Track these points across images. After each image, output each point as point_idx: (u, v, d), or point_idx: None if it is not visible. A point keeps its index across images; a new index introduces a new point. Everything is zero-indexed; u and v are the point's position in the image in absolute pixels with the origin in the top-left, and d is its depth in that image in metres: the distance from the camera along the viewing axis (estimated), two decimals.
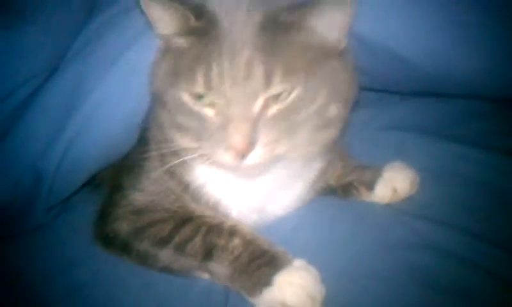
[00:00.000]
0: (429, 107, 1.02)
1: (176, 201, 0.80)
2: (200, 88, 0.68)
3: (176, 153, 0.76)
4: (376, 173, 0.86)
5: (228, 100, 0.66)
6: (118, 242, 0.80)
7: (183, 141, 0.74)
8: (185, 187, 0.80)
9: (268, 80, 0.66)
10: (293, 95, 0.68)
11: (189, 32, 0.70)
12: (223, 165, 0.71)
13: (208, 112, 0.69)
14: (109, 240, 0.81)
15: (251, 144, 0.66)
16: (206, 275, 0.76)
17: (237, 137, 0.66)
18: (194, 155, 0.73)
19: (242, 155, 0.67)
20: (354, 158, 0.92)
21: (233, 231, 0.76)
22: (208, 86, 0.67)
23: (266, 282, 0.69)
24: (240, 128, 0.66)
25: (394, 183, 0.85)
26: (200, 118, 0.70)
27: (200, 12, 0.69)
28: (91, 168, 0.85)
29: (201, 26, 0.69)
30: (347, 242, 0.79)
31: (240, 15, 0.69)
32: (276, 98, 0.67)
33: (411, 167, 0.86)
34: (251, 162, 0.68)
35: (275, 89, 0.66)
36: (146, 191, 0.82)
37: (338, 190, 0.89)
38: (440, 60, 0.83)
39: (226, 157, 0.68)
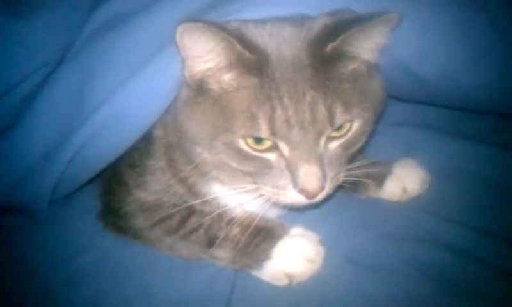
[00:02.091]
0: (435, 107, 1.03)
1: (181, 200, 0.82)
2: (263, 134, 0.67)
3: (195, 168, 0.77)
4: (386, 169, 0.88)
5: (295, 143, 0.67)
6: (131, 233, 0.84)
7: (228, 179, 0.76)
8: (194, 194, 0.82)
9: (331, 119, 0.67)
10: (354, 128, 0.71)
11: (241, 67, 0.67)
12: (287, 204, 0.73)
13: (269, 156, 0.70)
14: (122, 231, 0.85)
15: (323, 185, 0.69)
16: (210, 259, 0.81)
17: (311, 181, 0.68)
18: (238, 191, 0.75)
19: (315, 195, 0.69)
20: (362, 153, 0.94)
21: (231, 221, 0.80)
22: (273, 131, 0.66)
23: (266, 256, 0.76)
24: (312, 171, 0.68)
25: (404, 182, 0.87)
26: (259, 161, 0.70)
27: (251, 45, 0.67)
28: (99, 168, 0.85)
29: (254, 61, 0.66)
30: (353, 233, 0.83)
31: (287, 48, 0.68)
32: (338, 131, 0.70)
33: (422, 165, 0.88)
34: (320, 199, 0.71)
35: (337, 125, 0.68)
36: (150, 190, 0.83)
37: (345, 185, 0.90)
38: (454, 78, 0.83)
39: (298, 198, 0.70)
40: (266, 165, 0.70)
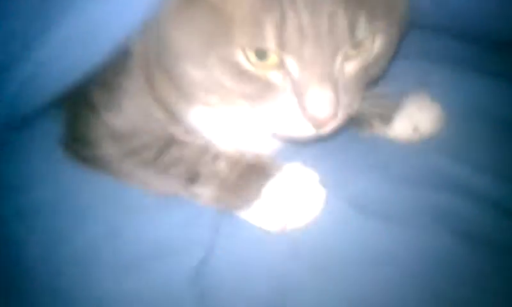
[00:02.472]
0: (453, 38, 0.94)
1: (160, 126, 0.73)
2: (269, 44, 0.56)
3: (178, 89, 0.67)
4: (395, 104, 0.80)
5: (306, 60, 0.57)
6: (98, 163, 0.74)
7: (218, 104, 0.65)
8: (176, 119, 0.72)
9: (352, 30, 0.57)
10: (375, 46, 0.62)
11: None
12: (290, 135, 0.64)
13: (274, 75, 0.59)
14: (87, 160, 0.75)
15: (335, 112, 0.59)
16: (190, 197, 0.72)
17: (322, 106, 0.58)
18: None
19: (326, 123, 0.60)
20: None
21: (218, 154, 0.71)
22: (281, 42, 0.56)
23: (256, 196, 0.67)
24: (325, 94, 0.58)
25: (416, 119, 0.78)
26: (260, 82, 0.60)
27: None
28: (62, 85, 0.73)
29: None
30: (360, 175, 0.74)
31: None
32: (357, 49, 0.60)
33: (436, 102, 0.79)
34: (330, 130, 0.62)
35: (358, 38, 0.58)
36: (124, 113, 0.73)
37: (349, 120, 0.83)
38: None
39: (305, 127, 0.61)
40: (268, 87, 0.60)
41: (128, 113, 0.73)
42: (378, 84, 0.77)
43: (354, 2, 0.57)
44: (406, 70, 0.85)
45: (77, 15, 0.65)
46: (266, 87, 0.60)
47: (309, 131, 0.61)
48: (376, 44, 0.62)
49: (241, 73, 0.59)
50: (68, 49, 0.67)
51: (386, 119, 0.80)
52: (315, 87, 0.58)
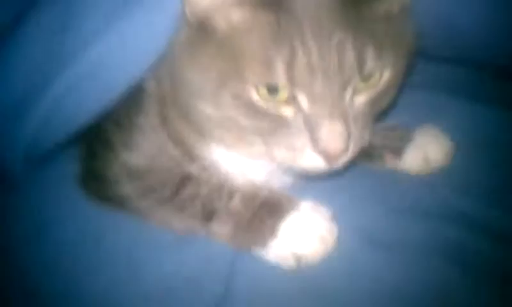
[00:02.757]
0: (462, 67, 0.96)
1: (176, 163, 0.74)
2: (280, 80, 0.58)
3: (194, 128, 0.69)
4: (406, 137, 0.81)
5: (316, 95, 0.58)
6: (118, 201, 0.75)
7: (233, 140, 0.67)
8: (191, 157, 0.73)
9: (360, 66, 0.58)
10: (384, 78, 0.62)
11: (255, 0, 0.58)
12: (303, 169, 0.65)
13: (286, 110, 0.61)
14: (106, 199, 0.76)
15: (347, 146, 0.60)
16: (207, 235, 0.73)
17: (334, 141, 0.59)
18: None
19: (337, 157, 0.61)
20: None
21: (233, 192, 0.72)
22: (291, 78, 0.57)
23: (271, 234, 0.68)
24: (336, 129, 0.59)
25: (426, 152, 0.79)
26: (273, 117, 0.61)
27: None
28: (79, 124, 0.75)
29: None
30: (369, 208, 0.75)
31: None
32: (366, 83, 0.61)
33: (445, 134, 0.81)
34: (341, 163, 0.63)
35: (367, 73, 0.60)
36: (140, 152, 0.74)
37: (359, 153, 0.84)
38: (493, 30, 0.77)
39: (317, 161, 0.62)
40: (281, 122, 0.61)
41: (144, 151, 0.74)
42: (387, 116, 0.78)
43: (361, 37, 0.58)
44: (415, 101, 0.86)
45: (93, 53, 0.67)
46: (278, 122, 0.62)
47: (321, 165, 0.62)
48: (384, 77, 0.63)
49: (254, 109, 0.61)
50: (85, 85, 0.69)
51: (397, 151, 0.81)
52: (326, 122, 0.59)
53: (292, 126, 0.61)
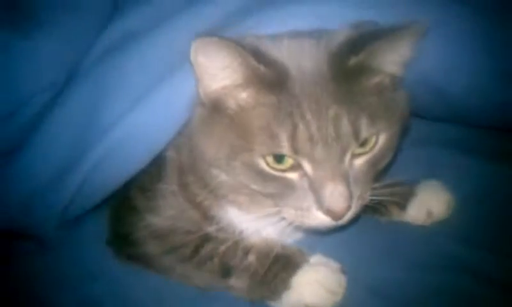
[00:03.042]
0: (455, 124, 0.99)
1: (195, 226, 0.79)
2: (285, 151, 0.64)
3: (211, 192, 0.74)
4: (409, 191, 0.85)
5: (318, 161, 0.64)
6: (142, 260, 0.81)
7: (246, 203, 0.73)
8: (209, 219, 0.78)
9: (356, 134, 0.64)
10: (379, 143, 0.68)
11: (258, 83, 0.65)
12: (311, 227, 0.70)
13: (292, 175, 0.66)
14: (132, 258, 0.82)
15: (349, 204, 0.65)
16: (225, 289, 0.77)
17: (337, 200, 0.64)
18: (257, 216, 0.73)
19: (341, 215, 0.66)
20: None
21: (247, 250, 0.77)
22: (295, 149, 0.64)
23: (284, 287, 0.73)
24: (338, 190, 0.64)
25: (429, 205, 0.84)
26: (280, 181, 0.67)
27: (267, 60, 0.64)
28: (109, 191, 0.83)
29: (272, 76, 0.64)
30: (376, 261, 0.79)
31: (306, 62, 0.66)
32: (363, 147, 0.67)
33: (446, 188, 0.85)
34: (346, 220, 0.68)
35: (362, 140, 0.65)
36: (163, 216, 0.80)
37: (366, 208, 0.87)
38: (482, 93, 0.80)
39: (323, 220, 0.66)
40: (288, 186, 0.67)
41: (166, 214, 0.80)
42: (388, 173, 0.83)
43: (355, 109, 0.64)
44: (415, 158, 0.92)
45: (122, 129, 0.75)
46: (286, 185, 0.67)
47: (327, 222, 0.67)
48: (379, 141, 0.68)
49: (263, 176, 0.67)
50: (115, 157, 0.76)
51: (402, 205, 0.85)
52: (328, 184, 0.64)
53: (298, 189, 0.67)
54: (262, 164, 0.66)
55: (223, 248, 0.77)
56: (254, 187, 0.68)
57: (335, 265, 0.75)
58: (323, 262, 0.75)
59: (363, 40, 0.64)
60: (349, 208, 0.65)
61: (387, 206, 0.85)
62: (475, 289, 0.73)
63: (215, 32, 0.64)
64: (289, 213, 0.69)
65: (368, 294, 0.74)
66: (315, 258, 0.76)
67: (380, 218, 0.86)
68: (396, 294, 0.73)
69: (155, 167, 0.80)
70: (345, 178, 0.65)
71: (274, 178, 0.67)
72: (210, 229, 0.77)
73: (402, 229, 0.84)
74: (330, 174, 0.64)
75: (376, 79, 0.67)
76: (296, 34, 0.70)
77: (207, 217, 0.78)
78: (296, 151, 0.64)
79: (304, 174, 0.66)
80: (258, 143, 0.65)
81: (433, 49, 0.73)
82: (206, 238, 0.79)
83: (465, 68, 0.78)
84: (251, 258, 0.76)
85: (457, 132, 0.98)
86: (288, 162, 0.66)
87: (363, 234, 0.83)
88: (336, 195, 0.64)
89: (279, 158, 0.65)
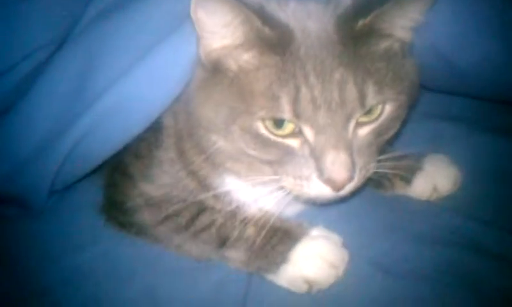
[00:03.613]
0: (464, 97, 0.96)
1: (191, 195, 0.77)
2: (286, 115, 0.61)
3: (208, 160, 0.72)
4: (415, 165, 0.83)
5: (321, 127, 0.62)
6: (135, 229, 0.79)
7: (244, 171, 0.70)
8: (206, 188, 0.76)
9: (362, 100, 0.61)
10: (386, 112, 0.65)
11: (262, 44, 0.62)
12: (310, 197, 0.67)
13: (292, 141, 0.64)
14: (125, 226, 0.80)
15: (352, 175, 0.63)
16: (221, 260, 0.75)
17: (338, 169, 0.62)
18: (253, 181, 0.70)
19: (343, 186, 0.63)
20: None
21: (245, 219, 0.75)
22: (296, 113, 0.61)
23: (283, 260, 0.71)
24: (340, 158, 0.62)
25: (435, 180, 0.82)
26: (280, 148, 0.64)
27: (272, 21, 0.61)
28: (102, 158, 0.80)
29: (276, 38, 0.61)
30: (379, 235, 0.77)
31: (312, 24, 0.63)
32: (368, 115, 0.64)
33: (454, 162, 0.82)
34: (347, 191, 0.65)
35: (369, 107, 0.63)
36: (158, 183, 0.78)
37: (370, 180, 0.84)
38: (492, 68, 0.78)
39: (323, 190, 0.64)
40: (288, 153, 0.64)
41: (161, 182, 0.78)
42: (394, 146, 0.81)
43: (362, 74, 0.61)
44: (421, 130, 0.90)
45: (119, 91, 0.72)
46: (286, 152, 0.65)
47: (327, 193, 0.65)
48: (386, 110, 0.65)
49: (262, 141, 0.64)
50: (109, 122, 0.73)
51: (407, 179, 0.83)
52: (330, 152, 0.62)
53: (298, 156, 0.64)
54: (261, 129, 0.63)
55: (220, 218, 0.75)
56: (252, 153, 0.66)
57: (336, 237, 0.73)
58: (324, 235, 0.73)
59: (372, 3, 0.61)
60: (350, 178, 0.63)
61: (392, 180, 0.83)
62: (480, 264, 0.71)
63: None
64: (288, 181, 0.66)
65: (371, 268, 0.72)
66: (316, 231, 0.73)
67: (384, 191, 0.84)
68: (399, 269, 0.71)
69: (152, 133, 0.77)
70: (349, 147, 0.63)
71: (273, 144, 0.64)
72: (207, 195, 0.75)
73: (406, 203, 0.82)
74: (333, 141, 0.62)
75: (384, 44, 0.65)
76: None
77: (204, 186, 0.76)
78: (297, 115, 0.61)
79: (305, 141, 0.64)
80: (259, 106, 0.62)
81: (443, 20, 0.71)
82: (202, 208, 0.76)
83: (474, 40, 0.76)
84: (250, 229, 0.74)
85: (466, 106, 0.95)
86: (289, 127, 0.63)
87: (366, 207, 0.81)
88: (337, 164, 0.62)
89: (279, 123, 0.63)
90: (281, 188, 0.68)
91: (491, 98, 0.90)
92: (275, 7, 0.65)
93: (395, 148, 0.81)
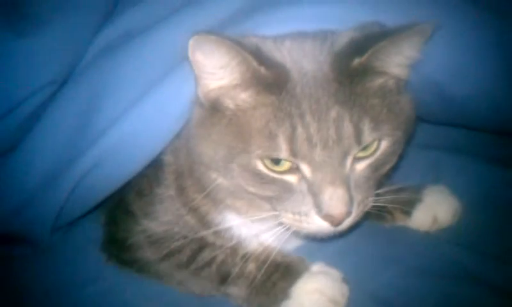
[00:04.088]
0: (461, 128, 0.96)
1: (193, 231, 0.77)
2: (282, 155, 0.62)
3: (208, 197, 0.73)
4: (415, 196, 0.83)
5: (317, 164, 0.62)
6: (137, 266, 0.79)
7: (244, 207, 0.71)
8: (206, 224, 0.76)
9: (358, 137, 0.62)
10: (382, 147, 0.66)
11: (258, 84, 0.63)
12: (310, 233, 0.68)
13: (290, 178, 0.64)
14: (127, 264, 0.80)
15: (349, 210, 0.63)
16: (223, 297, 0.76)
17: (336, 205, 0.62)
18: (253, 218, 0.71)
19: (341, 221, 0.64)
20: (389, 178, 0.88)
21: (246, 256, 0.75)
22: (293, 152, 0.62)
23: (284, 296, 0.71)
24: (338, 194, 0.62)
25: (435, 211, 0.82)
26: (279, 184, 0.65)
27: (268, 61, 0.62)
28: (104, 195, 0.81)
29: (272, 78, 0.62)
30: (380, 268, 0.77)
31: (308, 63, 0.64)
32: (365, 151, 0.65)
33: (453, 193, 0.83)
34: (346, 226, 0.66)
35: (365, 144, 0.63)
36: (159, 220, 0.79)
37: (369, 214, 0.84)
38: (489, 99, 0.77)
39: (322, 225, 0.64)
40: (286, 189, 0.65)
41: (163, 219, 0.78)
42: (393, 178, 0.81)
43: (358, 111, 0.62)
44: (420, 162, 0.90)
45: (119, 132, 0.73)
46: (284, 188, 0.65)
47: (326, 228, 0.65)
48: (382, 146, 0.65)
49: (261, 178, 0.65)
50: (110, 160, 0.74)
51: (407, 211, 0.83)
52: (327, 188, 0.62)
53: (297, 192, 0.64)
54: (260, 166, 0.64)
55: (220, 255, 0.75)
56: (252, 189, 0.66)
57: (337, 273, 0.73)
58: (324, 271, 0.73)
59: (368, 41, 0.62)
60: (348, 213, 0.63)
61: (392, 212, 0.83)
62: (479, 297, 0.71)
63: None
64: (287, 217, 0.66)
65: (372, 302, 0.72)
66: (316, 267, 0.73)
67: (384, 223, 0.84)
68: (400, 302, 0.72)
69: (153, 170, 0.78)
70: (346, 182, 0.63)
71: (272, 181, 0.65)
72: (207, 232, 0.75)
73: (406, 234, 0.83)
74: (330, 177, 0.62)
75: (379, 81, 0.65)
76: (299, 35, 0.68)
77: (204, 223, 0.76)
78: (294, 153, 0.62)
79: (303, 177, 0.64)
80: (256, 145, 0.63)
81: (439, 52, 0.71)
82: (203, 245, 0.77)
83: (472, 72, 0.76)
84: (250, 265, 0.74)
85: (464, 137, 0.96)
86: (287, 163, 0.64)
87: (366, 240, 0.81)
88: (335, 199, 0.62)
89: (277, 160, 0.64)
90: (281, 223, 0.68)
91: (488, 130, 0.90)
92: (271, 46, 0.66)
93: (393, 180, 0.81)
